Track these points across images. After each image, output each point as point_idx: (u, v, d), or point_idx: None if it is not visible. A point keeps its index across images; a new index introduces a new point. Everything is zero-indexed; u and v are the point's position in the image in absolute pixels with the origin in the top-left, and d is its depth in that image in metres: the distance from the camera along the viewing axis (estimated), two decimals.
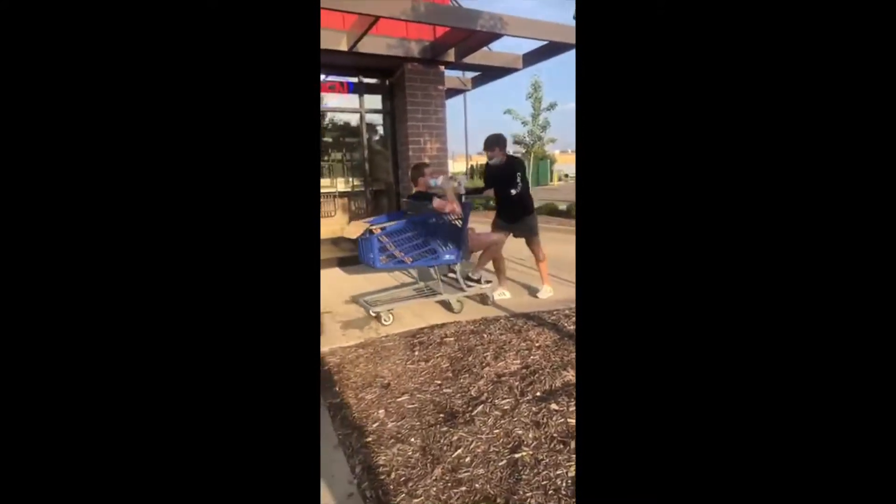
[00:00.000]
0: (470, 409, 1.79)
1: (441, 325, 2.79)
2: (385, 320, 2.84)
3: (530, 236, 3.29)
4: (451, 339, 2.55)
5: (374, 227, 2.87)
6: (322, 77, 4.53)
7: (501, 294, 3.29)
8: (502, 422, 1.68)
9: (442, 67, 4.46)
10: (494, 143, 3.23)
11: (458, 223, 2.96)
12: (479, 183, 3.82)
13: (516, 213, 3.26)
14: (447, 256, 2.96)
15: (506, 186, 3.16)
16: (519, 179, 3.14)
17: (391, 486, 1.41)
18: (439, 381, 2.06)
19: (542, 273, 3.33)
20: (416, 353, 2.40)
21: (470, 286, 3.12)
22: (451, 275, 3.16)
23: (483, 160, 3.76)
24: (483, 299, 3.19)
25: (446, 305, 3.06)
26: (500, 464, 1.47)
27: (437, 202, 2.92)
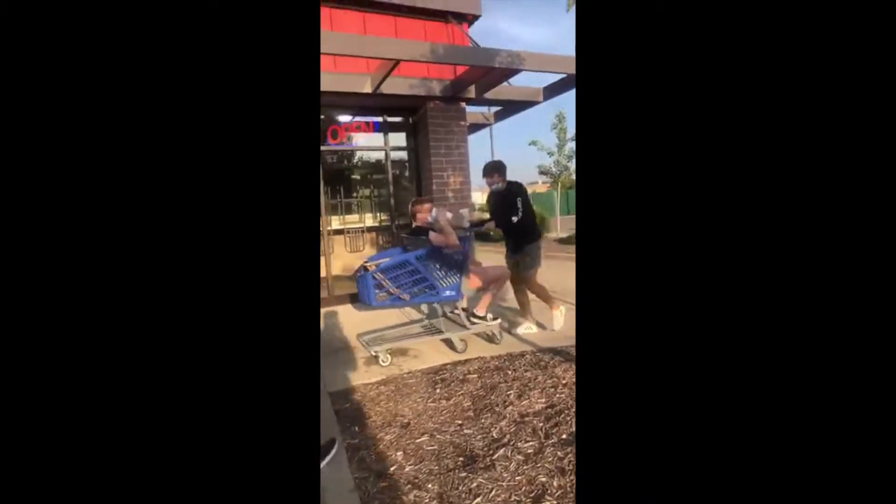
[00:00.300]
0: (491, 452, 1.70)
1: (464, 361, 2.72)
2: (383, 361, 2.74)
3: (528, 269, 3.09)
4: (475, 375, 2.47)
5: (369, 263, 2.81)
6: (349, 118, 4.73)
7: (528, 328, 3.18)
8: (525, 467, 1.58)
9: (463, 104, 4.57)
10: (493, 169, 3.12)
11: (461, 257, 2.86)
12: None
13: (519, 243, 3.11)
14: (447, 293, 2.84)
15: (507, 213, 3.03)
16: (520, 205, 2.99)
17: None
18: (460, 421, 1.97)
19: (547, 302, 3.14)
20: (438, 390, 2.33)
21: (475, 324, 2.98)
22: (456, 311, 3.05)
23: None
24: (490, 338, 3.02)
25: (449, 345, 2.95)
26: None
27: (433, 236, 2.84)
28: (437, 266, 2.83)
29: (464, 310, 3.04)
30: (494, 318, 3.05)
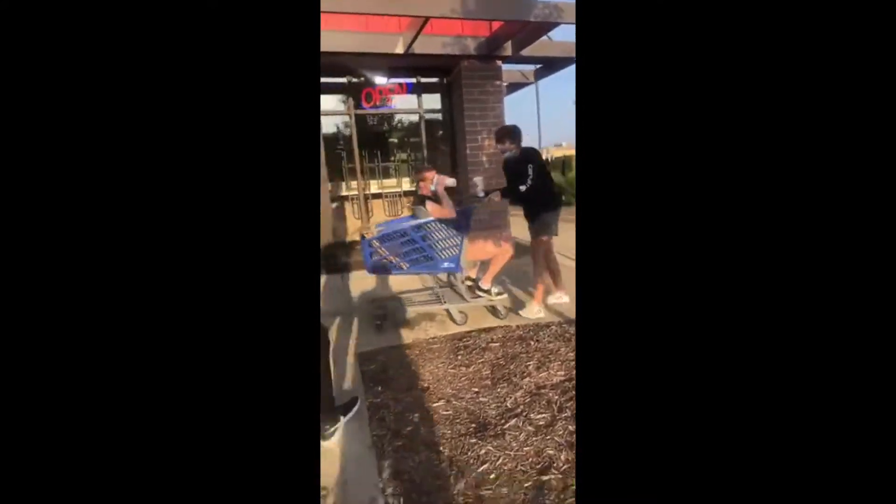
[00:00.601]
0: (503, 421, 1.73)
1: (489, 328, 2.74)
2: (377, 324, 2.85)
3: (539, 237, 2.91)
4: (497, 344, 2.49)
5: (367, 231, 2.84)
6: (384, 80, 4.66)
7: (559, 297, 3.12)
8: (534, 439, 1.60)
9: (499, 62, 4.35)
10: (505, 135, 2.88)
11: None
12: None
13: (533, 212, 2.91)
14: (445, 265, 2.81)
15: (515, 182, 2.83)
16: (530, 172, 2.74)
17: (413, 495, 1.41)
18: (477, 389, 2.02)
19: (539, 288, 2.92)
20: (460, 357, 2.38)
21: (478, 297, 2.93)
22: (466, 282, 3.02)
23: (559, 153, 3.40)
24: (494, 312, 2.96)
25: (449, 316, 2.95)
26: (526, 485, 1.40)
27: (430, 207, 2.78)
28: (438, 237, 2.79)
29: (470, 280, 3.00)
30: (500, 293, 2.97)
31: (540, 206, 2.87)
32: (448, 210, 2.76)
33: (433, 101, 4.94)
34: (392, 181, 5.70)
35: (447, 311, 2.95)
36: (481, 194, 2.99)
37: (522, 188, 2.79)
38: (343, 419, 1.80)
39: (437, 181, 2.86)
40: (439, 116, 5.01)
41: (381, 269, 2.85)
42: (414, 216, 2.94)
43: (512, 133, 2.89)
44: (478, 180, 3.08)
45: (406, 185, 5.64)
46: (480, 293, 2.95)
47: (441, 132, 5.14)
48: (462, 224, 2.80)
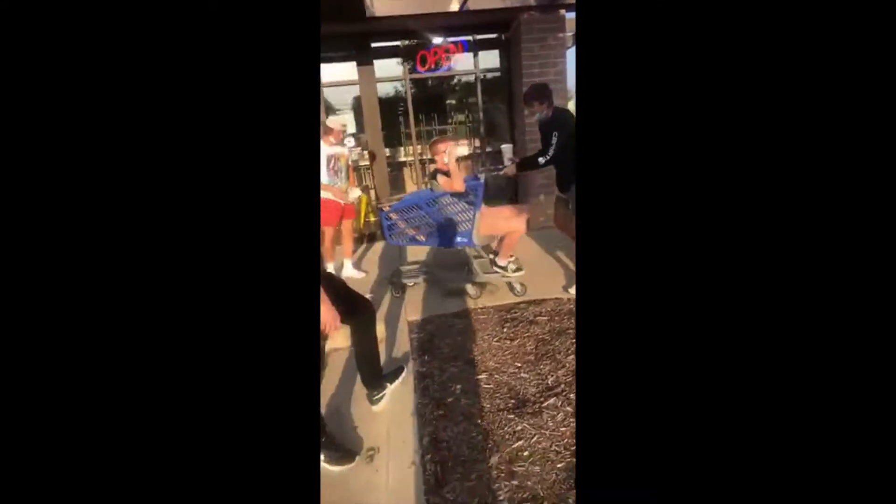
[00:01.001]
0: (542, 399, 1.74)
1: (539, 301, 2.70)
2: (395, 292, 2.96)
3: (567, 211, 2.63)
4: (545, 318, 2.46)
5: (384, 204, 2.85)
6: (439, 40, 4.50)
7: None
8: (572, 420, 1.59)
9: (562, 11, 3.98)
10: (533, 96, 2.50)
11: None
12: None
13: (564, 180, 2.58)
14: (458, 239, 2.76)
15: (541, 150, 2.51)
16: (554, 140, 2.39)
17: (449, 464, 1.49)
18: (519, 364, 2.03)
19: None
20: (506, 329, 2.39)
21: (494, 273, 2.83)
22: (491, 255, 2.95)
23: None
24: (511, 288, 2.86)
25: (465, 288, 2.92)
26: (559, 465, 1.41)
27: (441, 179, 2.65)
28: (451, 211, 2.71)
29: (493, 253, 2.93)
30: (517, 269, 2.84)
31: (570, 177, 2.56)
32: (458, 183, 2.64)
33: (492, 58, 4.69)
34: None
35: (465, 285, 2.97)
36: (508, 163, 2.83)
37: (541, 160, 2.52)
38: (390, 386, 1.92)
39: (449, 151, 2.70)
40: (499, 75, 4.77)
41: (401, 240, 2.92)
42: (431, 189, 2.89)
43: (541, 93, 2.55)
44: (506, 148, 2.91)
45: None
46: (497, 269, 2.86)
47: (499, 91, 4.91)
48: (474, 198, 2.69)
